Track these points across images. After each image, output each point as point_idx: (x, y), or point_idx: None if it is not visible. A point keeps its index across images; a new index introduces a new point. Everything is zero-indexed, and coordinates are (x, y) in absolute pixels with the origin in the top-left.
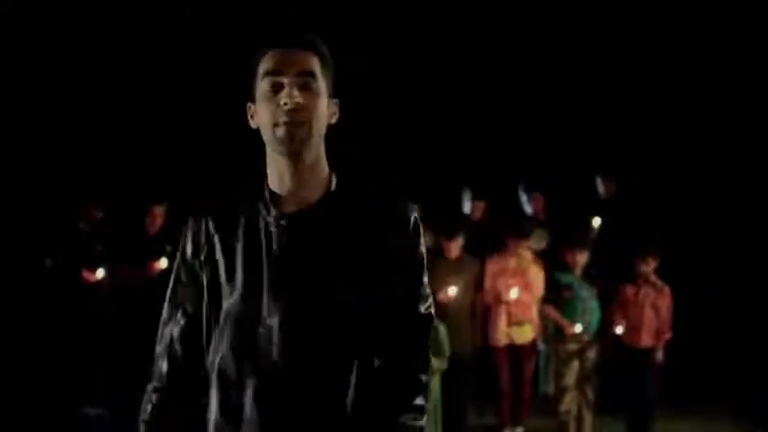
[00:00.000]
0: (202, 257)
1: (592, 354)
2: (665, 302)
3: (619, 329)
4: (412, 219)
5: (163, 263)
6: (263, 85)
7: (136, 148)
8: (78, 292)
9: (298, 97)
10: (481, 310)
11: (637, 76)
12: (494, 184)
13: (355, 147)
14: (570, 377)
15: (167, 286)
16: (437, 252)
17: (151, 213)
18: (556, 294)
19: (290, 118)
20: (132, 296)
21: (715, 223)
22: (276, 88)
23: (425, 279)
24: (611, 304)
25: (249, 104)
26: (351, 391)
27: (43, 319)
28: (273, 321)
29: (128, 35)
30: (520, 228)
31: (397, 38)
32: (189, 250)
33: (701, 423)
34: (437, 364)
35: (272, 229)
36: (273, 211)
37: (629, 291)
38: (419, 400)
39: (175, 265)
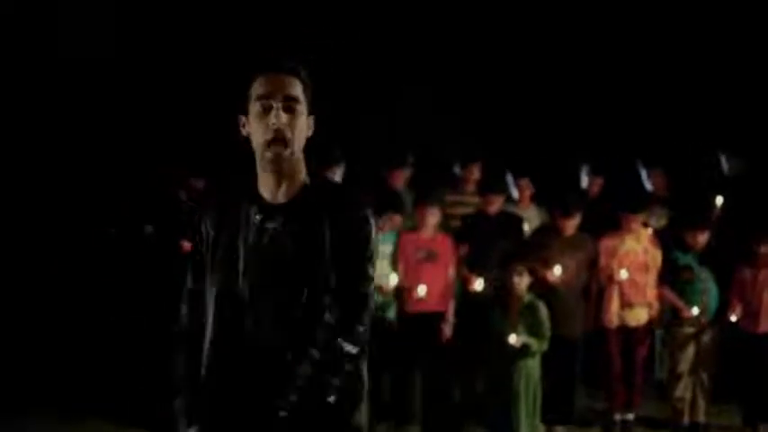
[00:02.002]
0: (206, 242)
1: (708, 338)
2: None
3: (733, 317)
4: (362, 210)
5: None
6: (254, 107)
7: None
8: (178, 262)
9: (283, 118)
10: (595, 290)
11: (765, 50)
12: (614, 159)
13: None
14: (685, 362)
15: None
16: (552, 229)
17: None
18: (674, 276)
19: (275, 136)
20: None
21: None
22: (266, 110)
23: (369, 264)
24: (730, 287)
25: (241, 117)
26: (290, 356)
27: (144, 287)
28: (245, 293)
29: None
30: (633, 203)
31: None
32: (198, 237)
33: None
34: (536, 345)
35: (253, 222)
36: (255, 208)
37: (747, 273)
38: (336, 381)
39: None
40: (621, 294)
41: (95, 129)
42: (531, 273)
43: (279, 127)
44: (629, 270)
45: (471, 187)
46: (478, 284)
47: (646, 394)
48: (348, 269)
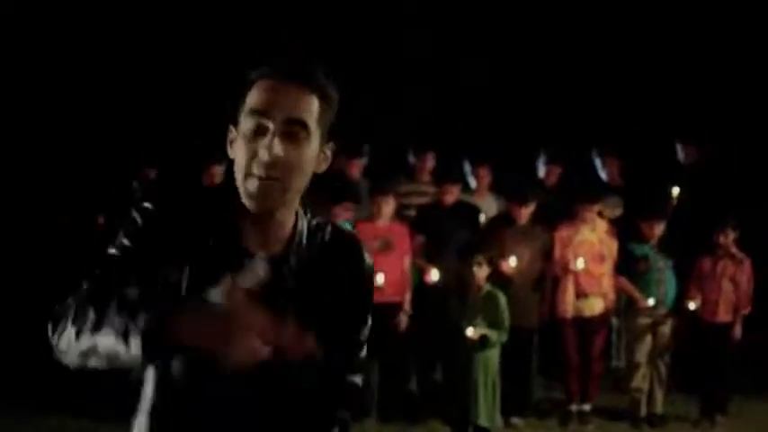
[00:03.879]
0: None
1: (666, 329)
2: (745, 276)
3: (692, 305)
4: (368, 270)
5: None
6: (245, 122)
7: (192, 107)
8: None
9: (279, 150)
10: (549, 280)
11: (721, 37)
12: (571, 148)
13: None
14: (642, 353)
15: None
16: (506, 218)
17: (209, 172)
18: (629, 266)
19: (264, 173)
20: None
21: None
22: (259, 131)
23: (364, 339)
24: (688, 277)
25: (231, 128)
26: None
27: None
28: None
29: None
30: (587, 193)
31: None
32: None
33: None
34: (495, 336)
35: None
36: (240, 250)
37: (707, 263)
38: (346, 415)
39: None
40: (577, 285)
41: (47, 118)
42: (490, 263)
43: (270, 160)
44: (585, 260)
45: (426, 176)
46: (434, 275)
47: (603, 385)
48: (354, 322)
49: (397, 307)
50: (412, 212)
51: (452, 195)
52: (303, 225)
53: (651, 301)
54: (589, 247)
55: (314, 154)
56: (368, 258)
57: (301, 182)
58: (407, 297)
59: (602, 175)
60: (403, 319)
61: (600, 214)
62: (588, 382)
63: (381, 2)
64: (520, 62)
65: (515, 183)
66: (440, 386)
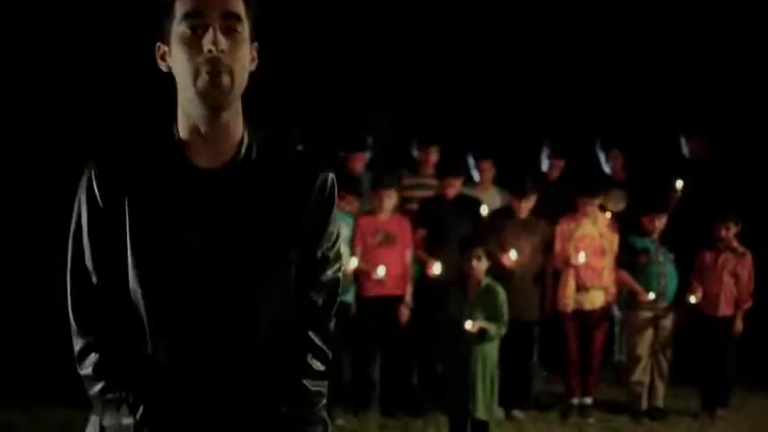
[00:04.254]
0: (107, 204)
1: (667, 322)
2: (746, 269)
3: (693, 299)
4: (329, 183)
5: None
6: (180, 28)
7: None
8: None
9: (222, 43)
10: (550, 274)
11: (725, 31)
12: (575, 141)
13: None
14: (643, 346)
15: None
16: (506, 212)
17: None
18: (630, 259)
19: (213, 66)
20: None
21: None
22: (197, 31)
23: (336, 243)
24: (690, 271)
25: (159, 45)
26: (258, 349)
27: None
28: (197, 275)
29: None
30: (588, 186)
31: None
32: (93, 196)
33: None
34: (494, 329)
35: (187, 183)
36: (187, 166)
37: (708, 257)
38: (319, 365)
39: (80, 210)
40: (578, 278)
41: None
42: (489, 256)
43: (217, 54)
44: (586, 253)
45: (430, 170)
46: (436, 268)
47: (604, 378)
48: (313, 236)
49: (399, 300)
50: (415, 206)
51: (454, 188)
52: (250, 137)
53: (652, 295)
54: (590, 240)
55: (248, 47)
56: (327, 170)
57: (243, 78)
58: (409, 290)
59: (606, 168)
60: (404, 313)
61: (602, 208)
62: (589, 375)
63: (381, 2)
64: (523, 57)
65: (517, 176)
66: (441, 380)
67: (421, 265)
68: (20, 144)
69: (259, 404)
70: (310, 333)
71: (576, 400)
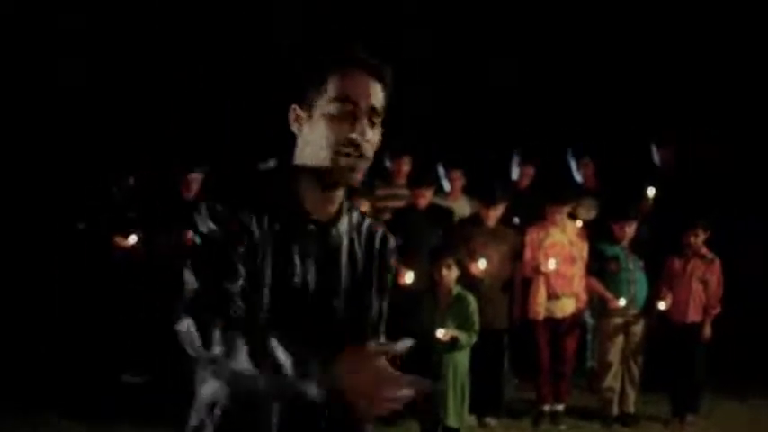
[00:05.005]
0: (242, 244)
1: (638, 329)
2: (715, 276)
3: (662, 305)
4: (393, 250)
5: None
6: (330, 107)
7: (172, 115)
8: (110, 258)
9: (370, 134)
10: (519, 282)
11: (695, 41)
12: (546, 149)
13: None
14: (614, 353)
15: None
16: (475, 220)
17: (186, 180)
18: (601, 267)
19: (356, 152)
20: (166, 262)
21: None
22: (345, 116)
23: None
24: (658, 278)
25: (295, 107)
26: None
27: (75, 282)
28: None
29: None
30: (556, 194)
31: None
32: (228, 231)
33: (750, 402)
34: (465, 338)
35: (307, 233)
36: (305, 216)
37: (677, 264)
38: None
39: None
40: (548, 286)
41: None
42: (460, 265)
43: (362, 144)
44: (556, 260)
45: (402, 180)
46: (408, 277)
47: (576, 385)
48: (380, 290)
49: None
50: (388, 216)
51: (425, 198)
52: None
53: (622, 301)
54: (560, 248)
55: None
56: (392, 240)
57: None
58: None
59: (577, 177)
60: None
61: (572, 216)
62: (560, 382)
63: (381, 2)
64: (495, 66)
65: (486, 185)
66: None
67: (393, 275)
68: (20, 144)
69: None
70: None
71: (547, 407)
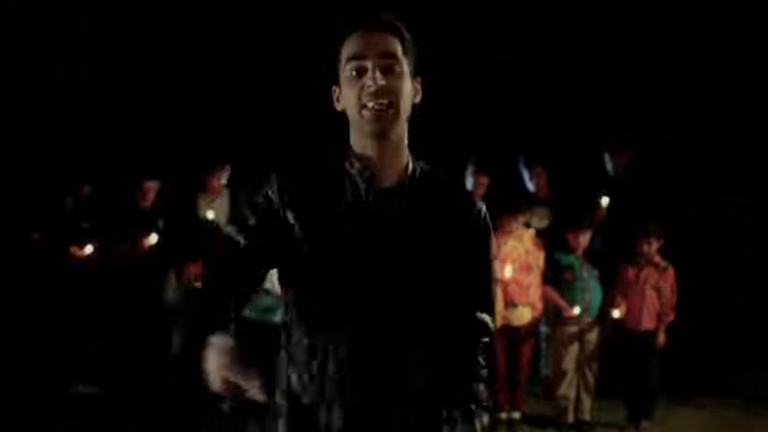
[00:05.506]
0: (288, 209)
1: (592, 337)
2: (668, 284)
3: (616, 313)
4: (483, 213)
5: (153, 238)
6: (347, 70)
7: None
8: (66, 268)
9: (381, 80)
10: None
11: (647, 47)
12: (499, 158)
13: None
14: (569, 360)
15: (157, 262)
16: None
17: (142, 188)
18: (555, 276)
19: (374, 100)
20: (122, 272)
21: (726, 203)
22: (360, 72)
23: (489, 279)
24: (612, 286)
25: (334, 88)
26: (424, 356)
27: (30, 293)
28: (362, 285)
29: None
30: (512, 204)
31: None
32: (273, 198)
33: (705, 409)
34: None
35: (363, 200)
36: (363, 185)
37: (630, 272)
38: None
39: (253, 204)
40: (505, 294)
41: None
42: None
43: (377, 89)
44: (513, 267)
45: None
46: None
47: (531, 392)
48: (476, 260)
49: None
50: None
51: None
52: (414, 164)
53: (577, 310)
54: (516, 257)
55: (408, 84)
56: (478, 201)
57: (406, 107)
58: None
59: (530, 186)
60: None
61: (527, 225)
62: (516, 390)
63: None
64: (446, 72)
65: None
66: None
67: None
68: (20, 144)
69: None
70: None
71: (504, 415)
